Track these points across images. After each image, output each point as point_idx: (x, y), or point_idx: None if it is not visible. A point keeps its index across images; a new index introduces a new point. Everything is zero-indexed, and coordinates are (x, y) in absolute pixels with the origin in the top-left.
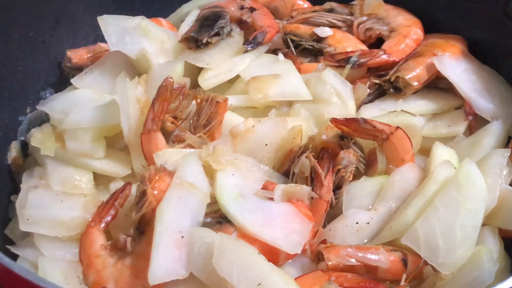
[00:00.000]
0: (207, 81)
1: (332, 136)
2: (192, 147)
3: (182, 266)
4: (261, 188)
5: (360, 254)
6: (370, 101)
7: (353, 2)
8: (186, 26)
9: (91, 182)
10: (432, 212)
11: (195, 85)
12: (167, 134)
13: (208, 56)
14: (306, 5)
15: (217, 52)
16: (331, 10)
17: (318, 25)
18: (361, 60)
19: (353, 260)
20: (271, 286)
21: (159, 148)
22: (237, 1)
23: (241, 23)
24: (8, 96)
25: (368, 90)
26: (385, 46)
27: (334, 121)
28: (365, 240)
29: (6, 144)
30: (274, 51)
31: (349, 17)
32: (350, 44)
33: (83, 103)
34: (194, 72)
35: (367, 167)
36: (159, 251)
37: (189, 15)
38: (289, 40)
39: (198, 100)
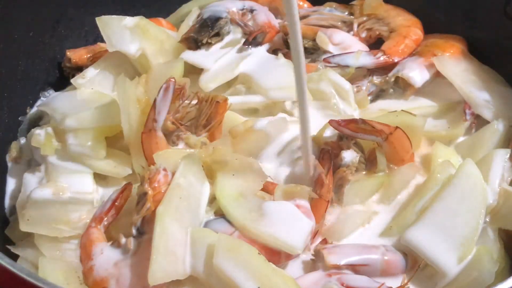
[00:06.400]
0: (207, 82)
1: (332, 136)
2: (192, 147)
3: (182, 267)
4: (261, 189)
5: (360, 254)
6: (371, 101)
7: (353, 2)
8: (186, 26)
9: (92, 182)
10: (432, 212)
11: (195, 85)
12: (167, 134)
13: (208, 56)
14: (306, 5)
15: (217, 53)
16: (331, 11)
17: (318, 25)
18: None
19: (354, 260)
20: (271, 286)
21: (160, 148)
22: (237, 1)
23: (241, 23)
24: (8, 96)
25: (368, 91)
26: (384, 46)
27: (333, 122)
28: (366, 240)
29: (6, 144)
30: (274, 51)
31: (349, 17)
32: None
33: (83, 103)
34: (194, 72)
35: (367, 167)
36: (159, 252)
37: (189, 15)
38: (289, 40)
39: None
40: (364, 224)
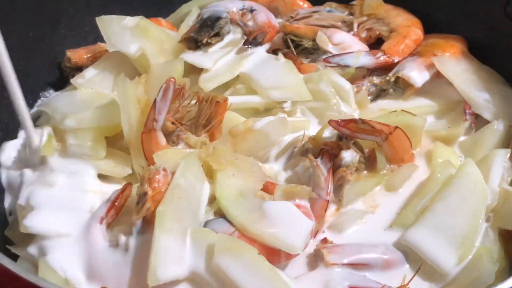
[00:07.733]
0: (207, 82)
1: (332, 136)
2: (192, 147)
3: (182, 267)
4: (261, 189)
5: (360, 253)
6: (371, 101)
7: (353, 2)
8: (186, 26)
9: (92, 182)
10: (432, 212)
11: (195, 85)
12: (167, 134)
13: (208, 56)
14: (306, 5)
15: (217, 53)
16: (331, 11)
17: (318, 25)
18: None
19: (354, 259)
20: (271, 286)
21: (160, 148)
22: (237, 1)
23: (241, 23)
24: (8, 96)
25: (368, 91)
26: (384, 46)
27: (332, 122)
28: (366, 239)
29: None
30: (274, 51)
31: (349, 17)
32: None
33: (83, 103)
34: (194, 72)
35: (367, 167)
36: (159, 252)
37: (189, 15)
38: (289, 40)
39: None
40: (364, 223)
